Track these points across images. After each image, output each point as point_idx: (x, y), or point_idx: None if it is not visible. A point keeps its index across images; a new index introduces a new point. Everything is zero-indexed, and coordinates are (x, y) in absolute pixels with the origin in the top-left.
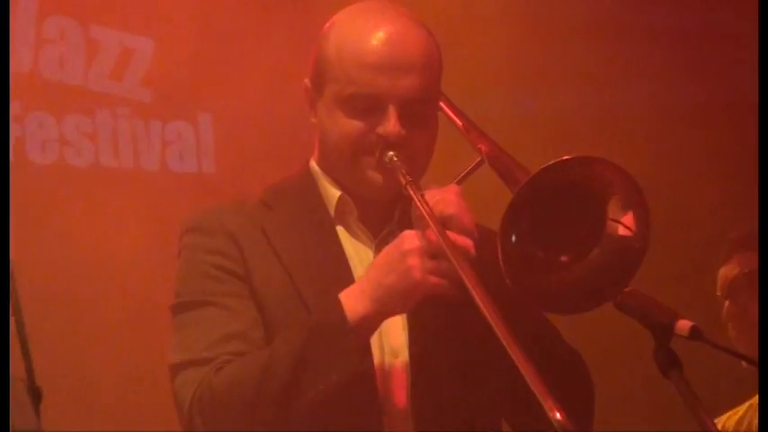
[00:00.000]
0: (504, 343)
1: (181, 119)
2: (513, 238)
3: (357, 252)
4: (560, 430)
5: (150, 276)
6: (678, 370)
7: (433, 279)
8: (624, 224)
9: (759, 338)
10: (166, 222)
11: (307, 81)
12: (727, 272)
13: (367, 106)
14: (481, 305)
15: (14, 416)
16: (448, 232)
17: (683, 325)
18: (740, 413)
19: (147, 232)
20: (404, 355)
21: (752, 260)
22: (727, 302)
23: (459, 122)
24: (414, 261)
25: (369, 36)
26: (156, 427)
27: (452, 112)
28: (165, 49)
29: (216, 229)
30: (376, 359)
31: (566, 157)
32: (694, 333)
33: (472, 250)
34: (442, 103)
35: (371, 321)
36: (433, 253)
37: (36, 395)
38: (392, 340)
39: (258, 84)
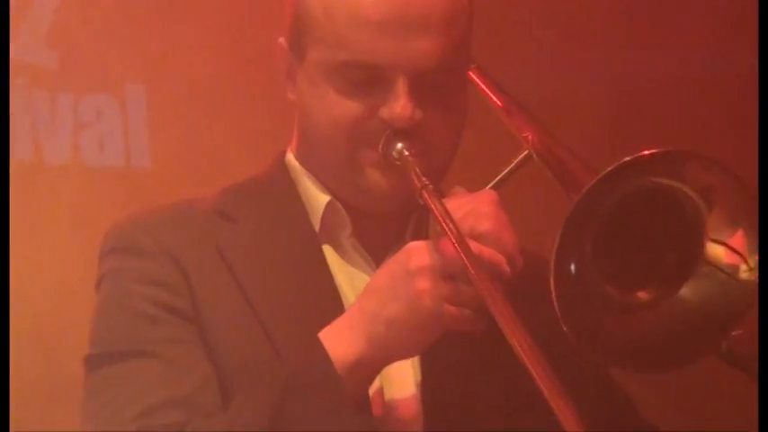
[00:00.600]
0: (554, 406)
1: (101, 92)
2: (573, 267)
3: (351, 281)
4: None
5: (57, 304)
6: None
7: (452, 309)
8: (731, 246)
9: (759, 338)
10: (79, 237)
11: (282, 40)
12: None
13: (367, 79)
14: (517, 349)
15: None
16: (473, 245)
17: None
18: None
19: (52, 249)
20: (412, 393)
21: None
22: None
23: (497, 101)
24: (425, 284)
25: None
26: None
27: (487, 85)
28: None
29: (154, 250)
30: (375, 405)
31: (647, 152)
32: None
33: (507, 269)
34: (472, 74)
35: (367, 369)
36: (451, 273)
37: None
38: (393, 373)
39: (210, 43)
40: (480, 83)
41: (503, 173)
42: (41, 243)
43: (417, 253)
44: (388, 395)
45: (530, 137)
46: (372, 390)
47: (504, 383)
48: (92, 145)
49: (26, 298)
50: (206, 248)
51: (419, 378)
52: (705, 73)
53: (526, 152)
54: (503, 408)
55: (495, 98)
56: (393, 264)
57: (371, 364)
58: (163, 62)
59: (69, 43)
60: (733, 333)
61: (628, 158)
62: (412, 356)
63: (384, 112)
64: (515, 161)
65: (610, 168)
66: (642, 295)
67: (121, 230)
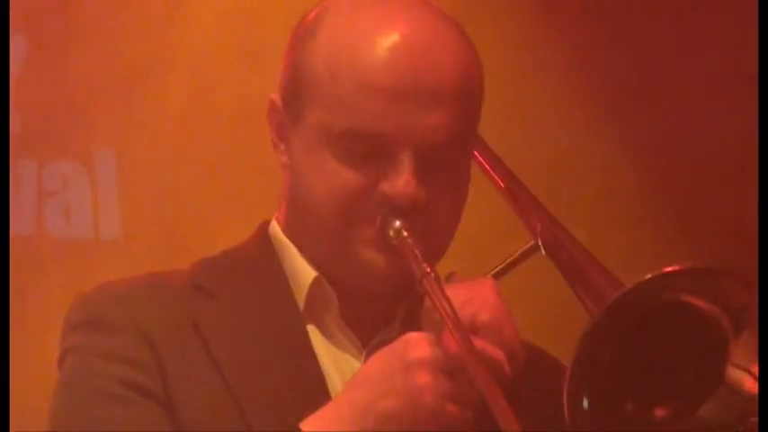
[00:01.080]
0: None
1: (67, 159)
2: (586, 381)
3: (337, 365)
4: None
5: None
6: None
7: (453, 409)
8: (754, 374)
9: (759, 338)
10: (44, 315)
11: (275, 97)
12: None
13: (370, 150)
14: None
15: None
16: (475, 340)
17: None
18: None
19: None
20: None
21: None
22: None
23: (502, 184)
24: (425, 378)
25: (378, 39)
26: None
27: (492, 167)
28: (43, 51)
29: (121, 326)
30: None
31: (679, 267)
32: None
33: (508, 370)
34: (477, 154)
35: None
36: (454, 369)
37: None
38: None
39: (184, 103)
40: (485, 164)
41: (505, 262)
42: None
43: (417, 344)
44: None
45: (538, 226)
46: None
47: None
48: (57, 215)
49: None
50: (180, 324)
51: None
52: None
53: (533, 242)
54: None
55: (499, 180)
56: (388, 353)
57: None
58: (133, 125)
59: (32, 107)
60: (751, 419)
61: (657, 273)
62: None
63: (386, 187)
64: (520, 251)
65: (637, 283)
66: (659, 413)
67: (87, 302)
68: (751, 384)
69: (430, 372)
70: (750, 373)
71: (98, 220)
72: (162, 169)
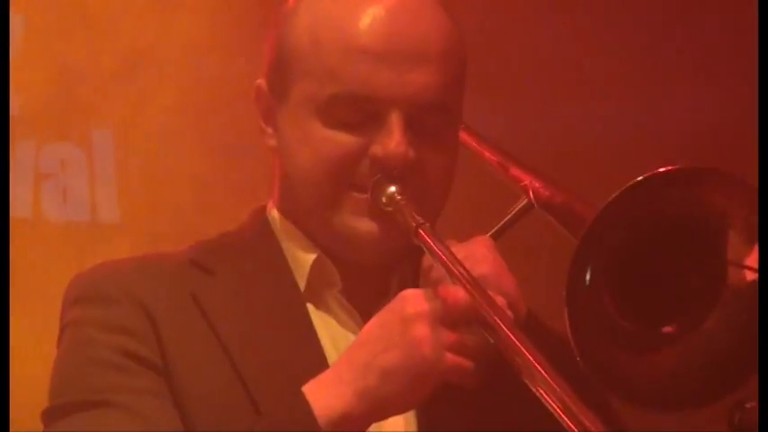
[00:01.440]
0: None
1: (65, 139)
2: (586, 303)
3: (335, 339)
4: None
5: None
6: None
7: (452, 358)
8: (751, 267)
9: (759, 339)
10: (41, 295)
11: (260, 82)
12: None
13: (358, 113)
14: (547, 380)
15: None
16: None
17: None
18: None
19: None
20: None
21: None
22: None
23: (492, 157)
24: (423, 330)
25: (360, 12)
26: None
27: (479, 143)
28: (41, 33)
29: (119, 298)
30: None
31: (657, 171)
32: None
33: (510, 314)
34: (463, 134)
35: (356, 424)
36: (450, 320)
37: None
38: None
39: (182, 84)
40: (472, 141)
41: (501, 223)
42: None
43: (414, 299)
44: None
45: (528, 185)
46: None
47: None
48: (53, 198)
49: None
50: (178, 296)
51: None
52: (705, 123)
53: (526, 201)
54: None
55: (489, 154)
56: (386, 313)
57: (360, 420)
58: (132, 105)
59: (30, 88)
60: (747, 405)
61: (634, 180)
62: (405, 411)
63: (377, 149)
64: (514, 210)
65: (617, 193)
66: (665, 330)
67: (84, 279)
68: (750, 276)
69: (428, 324)
70: (746, 267)
71: (95, 202)
72: (160, 151)
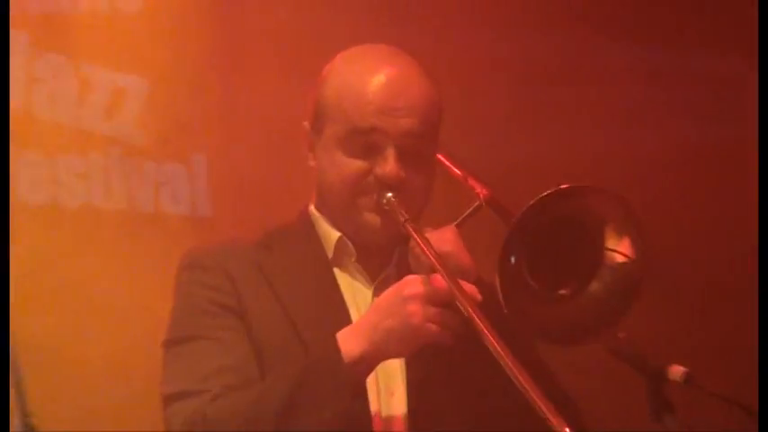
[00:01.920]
0: (515, 372)
1: (175, 160)
2: (512, 273)
3: (354, 294)
4: None
5: (144, 316)
6: (672, 416)
7: (433, 327)
8: (621, 252)
9: (759, 339)
10: (158, 262)
11: (305, 124)
12: None
13: (366, 144)
14: (495, 345)
15: None
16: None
17: (676, 371)
18: None
19: (142, 273)
20: (401, 397)
21: None
22: None
23: (458, 172)
24: (414, 307)
25: (369, 79)
26: None
27: (451, 162)
28: (160, 89)
29: (212, 266)
30: (373, 402)
31: (559, 187)
32: (688, 379)
33: (478, 296)
34: (440, 156)
35: (367, 362)
36: (435, 300)
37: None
38: (390, 382)
39: (255, 126)
40: (445, 162)
41: (461, 217)
42: (134, 272)
43: (412, 284)
44: (385, 413)
45: (481, 193)
46: (373, 410)
47: (473, 382)
48: (167, 198)
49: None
50: (249, 265)
51: (407, 407)
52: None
53: (478, 203)
54: (474, 401)
55: (456, 170)
56: (392, 290)
57: (370, 360)
58: (220, 137)
59: (154, 124)
60: (620, 335)
61: (544, 193)
62: (400, 357)
63: (378, 170)
64: (471, 208)
65: (533, 200)
66: (563, 291)
67: (191, 253)
68: (620, 258)
69: (419, 302)
70: (617, 251)
71: (195, 202)
72: (245, 166)
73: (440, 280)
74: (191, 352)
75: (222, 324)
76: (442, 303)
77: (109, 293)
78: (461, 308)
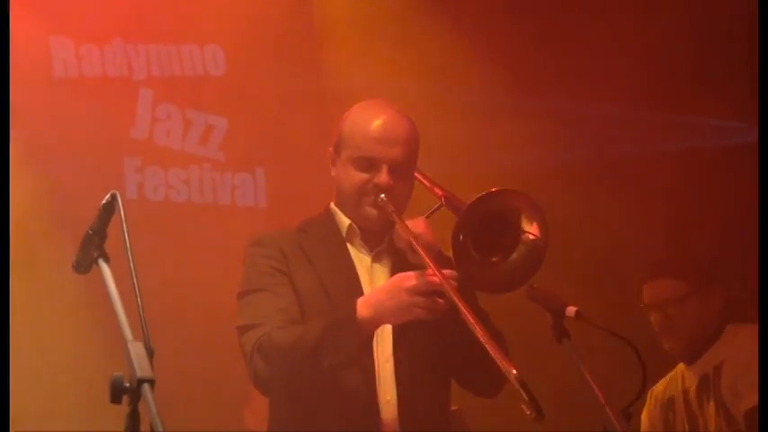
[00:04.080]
0: (476, 328)
1: (244, 171)
2: (461, 247)
3: (360, 262)
4: (517, 381)
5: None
6: (568, 339)
7: (417, 310)
8: (531, 233)
9: (759, 339)
10: (233, 240)
11: (330, 148)
12: (656, 288)
13: (368, 164)
14: (462, 308)
15: (136, 365)
16: (441, 271)
17: (570, 310)
18: (667, 379)
19: (223, 248)
20: (391, 360)
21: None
22: (654, 315)
23: (426, 182)
24: (407, 296)
25: (371, 121)
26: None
27: (423, 177)
28: (235, 125)
29: (269, 244)
30: (374, 352)
31: (490, 190)
32: (578, 315)
33: (453, 283)
34: (416, 174)
35: (372, 323)
36: (420, 290)
37: (149, 352)
38: (384, 347)
39: (295, 150)
40: (420, 176)
41: (429, 212)
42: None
43: (408, 279)
44: (380, 359)
45: (442, 195)
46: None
47: (442, 343)
48: (240, 196)
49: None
50: (294, 244)
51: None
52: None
53: (440, 203)
54: (442, 354)
55: (425, 182)
56: (395, 280)
57: (374, 323)
58: (274, 156)
59: (229, 148)
60: (534, 286)
61: (479, 195)
62: (394, 323)
63: (375, 180)
64: (435, 207)
65: (473, 200)
66: (494, 259)
67: (255, 236)
68: (531, 237)
69: (411, 293)
70: (529, 232)
71: (256, 199)
72: (289, 179)
73: (430, 274)
74: (257, 299)
75: (277, 282)
76: (426, 293)
77: (206, 264)
78: (436, 275)
